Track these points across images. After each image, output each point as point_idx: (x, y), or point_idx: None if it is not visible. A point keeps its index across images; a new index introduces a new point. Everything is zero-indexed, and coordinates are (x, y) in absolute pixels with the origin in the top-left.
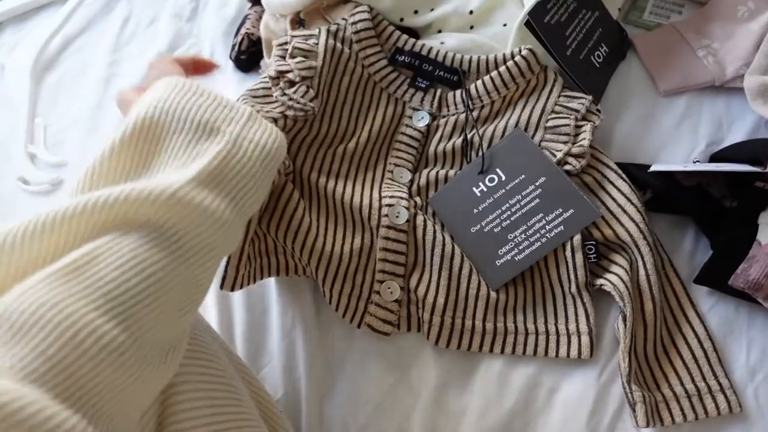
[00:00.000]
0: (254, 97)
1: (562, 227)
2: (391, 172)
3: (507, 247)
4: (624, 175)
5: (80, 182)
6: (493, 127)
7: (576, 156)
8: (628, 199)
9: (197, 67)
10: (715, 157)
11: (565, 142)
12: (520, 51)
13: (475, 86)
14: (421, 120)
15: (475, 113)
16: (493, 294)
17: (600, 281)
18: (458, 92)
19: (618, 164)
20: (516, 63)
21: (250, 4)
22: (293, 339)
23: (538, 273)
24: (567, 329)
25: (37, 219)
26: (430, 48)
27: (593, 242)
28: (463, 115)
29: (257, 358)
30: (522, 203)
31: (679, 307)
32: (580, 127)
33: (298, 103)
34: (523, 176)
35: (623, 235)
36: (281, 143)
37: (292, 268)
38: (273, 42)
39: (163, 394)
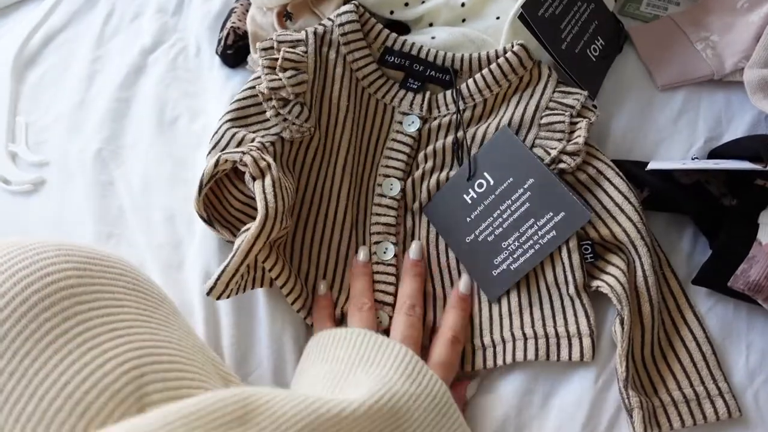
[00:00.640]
0: (246, 117)
1: (554, 232)
2: (380, 185)
3: (502, 256)
4: (621, 173)
5: None
6: (486, 126)
7: (571, 153)
8: (626, 198)
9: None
10: (714, 154)
11: (560, 140)
12: (512, 47)
13: (467, 85)
14: (412, 125)
15: (467, 113)
16: (492, 309)
17: (596, 283)
18: (449, 92)
19: (614, 161)
20: (507, 59)
21: None
22: (282, 344)
23: (534, 276)
24: (567, 331)
25: None
26: (421, 47)
27: (589, 242)
28: (455, 116)
29: (245, 364)
30: (512, 209)
31: (677, 309)
32: (576, 123)
33: (294, 124)
34: (511, 179)
35: (620, 235)
36: None
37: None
38: (258, 44)
39: (139, 404)
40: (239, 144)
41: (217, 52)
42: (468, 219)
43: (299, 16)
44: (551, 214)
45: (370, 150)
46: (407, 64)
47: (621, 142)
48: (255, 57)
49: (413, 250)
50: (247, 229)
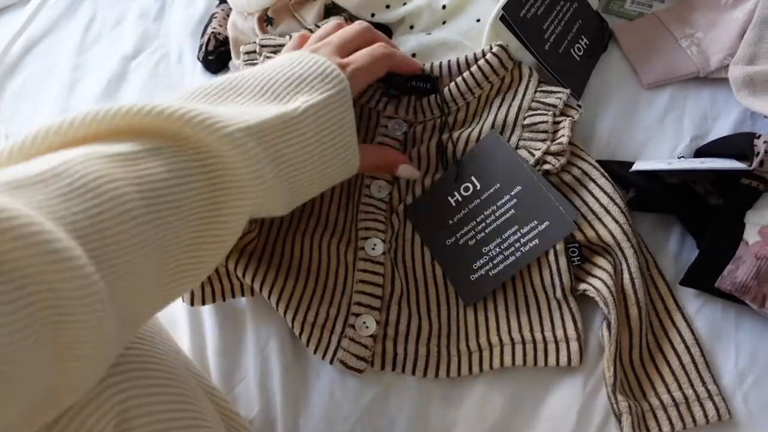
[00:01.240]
0: None
1: (537, 240)
2: (368, 187)
3: (481, 261)
4: (606, 174)
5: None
6: (470, 130)
7: (555, 154)
8: (611, 199)
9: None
10: (700, 152)
11: (543, 140)
12: (491, 48)
13: (449, 89)
14: (398, 128)
15: (450, 117)
16: (478, 313)
17: (583, 286)
18: (432, 97)
19: (600, 162)
20: (487, 61)
21: (217, 2)
22: (267, 354)
23: (521, 280)
24: (554, 336)
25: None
26: None
27: (576, 245)
28: (439, 120)
29: (231, 375)
30: (497, 214)
31: (665, 310)
32: (559, 123)
33: None
34: (498, 185)
35: (606, 237)
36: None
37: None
38: (240, 48)
39: (117, 417)
40: None
41: (198, 58)
42: (450, 222)
43: (280, 21)
44: (535, 222)
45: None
46: (387, 74)
47: (606, 142)
48: (237, 62)
49: None
50: None
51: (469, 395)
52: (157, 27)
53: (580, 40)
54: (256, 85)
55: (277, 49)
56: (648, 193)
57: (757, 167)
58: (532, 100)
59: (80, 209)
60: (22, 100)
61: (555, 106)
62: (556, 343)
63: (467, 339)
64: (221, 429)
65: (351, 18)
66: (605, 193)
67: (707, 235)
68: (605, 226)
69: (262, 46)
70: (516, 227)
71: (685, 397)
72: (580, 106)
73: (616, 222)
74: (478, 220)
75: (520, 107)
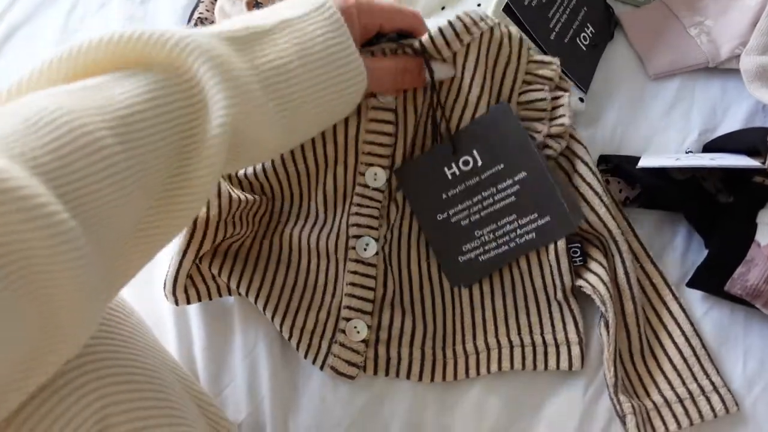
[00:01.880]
0: None
1: (533, 234)
2: (363, 174)
3: (472, 245)
4: (593, 167)
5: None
6: (465, 98)
7: (555, 136)
8: (598, 179)
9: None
10: (709, 147)
11: (541, 119)
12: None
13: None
14: (387, 100)
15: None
16: (476, 314)
17: (578, 282)
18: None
19: (605, 157)
20: (459, 18)
21: None
22: (256, 356)
23: (521, 280)
24: (555, 339)
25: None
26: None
27: (578, 244)
28: (427, 90)
29: (218, 378)
30: (496, 198)
31: (661, 302)
32: (556, 99)
33: None
34: (501, 166)
35: (597, 224)
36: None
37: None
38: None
39: (99, 424)
40: None
41: None
42: (444, 196)
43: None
44: (536, 215)
45: (350, 141)
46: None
47: (611, 135)
48: None
49: None
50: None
51: (465, 400)
52: (143, 11)
53: (586, 29)
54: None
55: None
56: (654, 190)
57: None
58: (526, 72)
59: (39, 144)
60: (3, 86)
61: (551, 80)
62: (557, 346)
63: (464, 341)
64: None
65: None
66: (595, 175)
67: (716, 235)
68: (595, 212)
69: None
70: (514, 216)
71: (690, 393)
72: (582, 99)
73: (605, 206)
74: (474, 200)
75: (514, 80)
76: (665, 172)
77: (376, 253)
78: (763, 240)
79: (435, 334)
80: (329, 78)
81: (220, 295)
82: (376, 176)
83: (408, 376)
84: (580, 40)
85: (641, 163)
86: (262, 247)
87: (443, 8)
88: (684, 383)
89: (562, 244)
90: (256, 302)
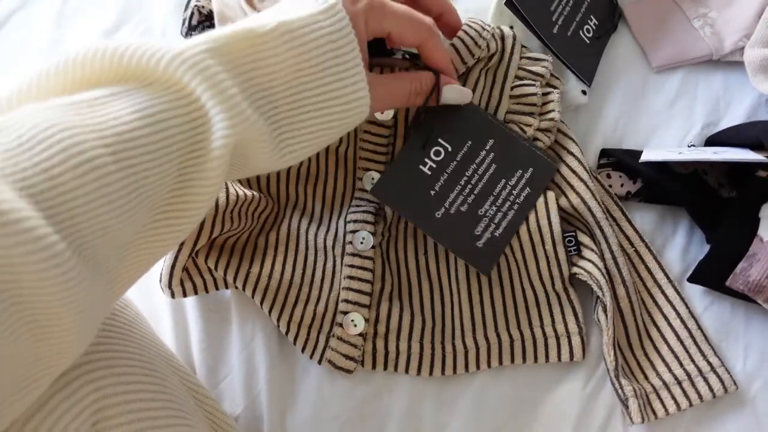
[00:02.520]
0: None
1: (528, 188)
2: (361, 179)
3: (482, 225)
4: (582, 158)
5: None
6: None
7: (545, 131)
8: (581, 163)
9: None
10: (711, 141)
11: (531, 114)
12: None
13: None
14: (386, 118)
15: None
16: (474, 308)
17: (573, 269)
18: None
19: (606, 151)
20: (466, 33)
21: None
22: (253, 349)
23: (518, 272)
24: (555, 331)
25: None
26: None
27: (573, 233)
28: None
29: (215, 371)
30: (479, 172)
31: (657, 285)
32: (547, 95)
33: None
34: (470, 143)
35: (579, 206)
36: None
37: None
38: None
39: (95, 415)
40: None
41: (182, 33)
42: (432, 192)
43: None
44: (520, 171)
45: (350, 144)
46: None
47: (613, 128)
48: None
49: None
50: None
51: (464, 395)
52: (139, 2)
53: (589, 21)
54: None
55: None
56: (656, 184)
57: None
58: (518, 68)
59: (30, 164)
60: None
61: (542, 76)
62: (557, 338)
63: (463, 336)
64: (204, 427)
65: None
66: (575, 157)
67: (719, 229)
68: (578, 194)
69: None
70: (504, 181)
71: (687, 374)
72: (585, 92)
73: (590, 190)
74: (462, 183)
75: (506, 76)
76: (667, 166)
77: (373, 247)
78: (766, 235)
79: (434, 328)
80: (326, 99)
81: (217, 289)
82: (374, 180)
83: (406, 371)
84: (584, 33)
85: (643, 157)
86: (259, 242)
87: None
88: (681, 365)
89: (558, 234)
90: (253, 296)
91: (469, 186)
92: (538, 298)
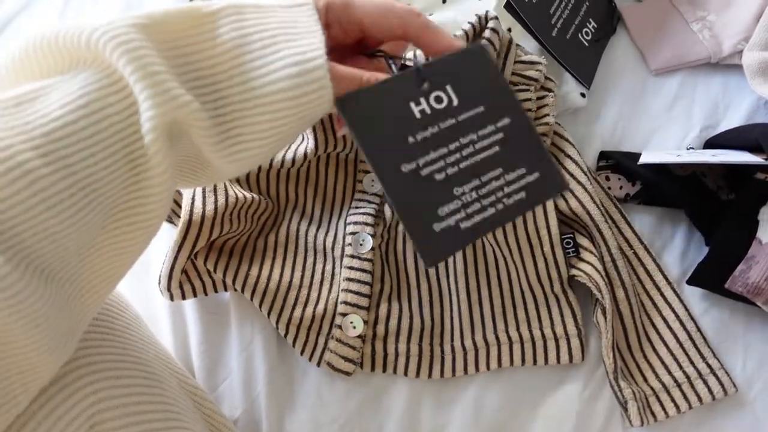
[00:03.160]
0: None
1: (524, 194)
2: (361, 182)
3: (451, 207)
4: (580, 161)
5: None
6: None
7: (540, 135)
8: (578, 166)
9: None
10: (710, 144)
11: None
12: (484, 23)
13: None
14: None
15: None
16: (473, 309)
17: (572, 272)
18: None
19: (605, 153)
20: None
21: None
22: (252, 352)
23: (516, 274)
24: (554, 333)
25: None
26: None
27: (571, 235)
28: None
29: (214, 374)
30: (477, 146)
31: (656, 287)
32: (541, 98)
33: None
34: (482, 108)
35: (578, 209)
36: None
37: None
38: None
39: (92, 419)
40: None
41: None
42: (411, 139)
43: None
44: (524, 170)
45: (348, 145)
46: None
47: (612, 131)
48: None
49: None
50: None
51: (462, 397)
52: (140, 0)
53: (588, 24)
54: None
55: None
56: (655, 186)
57: None
58: (513, 73)
59: None
60: None
61: (537, 80)
62: (556, 340)
63: (462, 337)
64: (202, 430)
65: None
66: (573, 160)
67: (717, 232)
68: (576, 197)
69: None
70: (500, 170)
71: (687, 376)
72: (584, 95)
73: (588, 193)
74: (451, 147)
75: None
76: (666, 169)
77: (372, 249)
78: (765, 237)
79: (432, 330)
80: (279, 88)
81: (216, 291)
82: (374, 182)
83: (405, 373)
84: (583, 36)
85: (642, 160)
86: (258, 244)
87: (444, 1)
88: (681, 367)
89: (556, 235)
90: (251, 298)
91: (458, 155)
92: (537, 300)
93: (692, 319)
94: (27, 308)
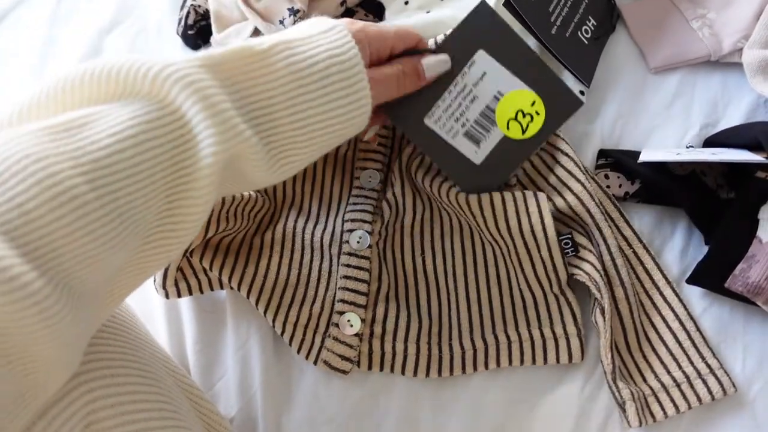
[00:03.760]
0: None
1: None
2: (358, 178)
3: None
4: (576, 158)
5: None
6: None
7: None
8: (577, 164)
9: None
10: (710, 142)
11: None
12: None
13: None
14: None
15: None
16: (472, 309)
17: (572, 271)
18: None
19: (604, 151)
20: None
21: None
22: (248, 350)
23: (515, 274)
24: (553, 332)
25: (46, 87)
26: None
27: (569, 235)
28: None
29: (210, 372)
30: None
31: (655, 287)
32: None
33: None
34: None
35: (577, 207)
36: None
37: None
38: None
39: (87, 418)
40: None
41: (177, 33)
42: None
43: None
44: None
45: (345, 143)
46: None
47: (611, 129)
48: (219, 37)
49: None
50: None
51: (460, 397)
52: (134, 0)
53: (587, 21)
54: None
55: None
56: (654, 185)
57: None
58: None
59: (3, 199)
60: None
61: None
62: (556, 340)
63: (461, 337)
64: (199, 429)
65: None
66: (570, 158)
67: (717, 231)
68: (576, 194)
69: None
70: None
71: (686, 376)
72: (583, 93)
73: (587, 191)
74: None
75: None
76: (666, 167)
77: (370, 246)
78: (765, 236)
79: (431, 329)
80: (331, 116)
81: (212, 289)
82: (371, 178)
83: (403, 372)
84: (582, 34)
85: (641, 158)
86: (254, 241)
87: None
88: (680, 367)
89: (553, 237)
90: (248, 296)
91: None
92: (536, 299)
93: (692, 318)
94: (60, 329)
